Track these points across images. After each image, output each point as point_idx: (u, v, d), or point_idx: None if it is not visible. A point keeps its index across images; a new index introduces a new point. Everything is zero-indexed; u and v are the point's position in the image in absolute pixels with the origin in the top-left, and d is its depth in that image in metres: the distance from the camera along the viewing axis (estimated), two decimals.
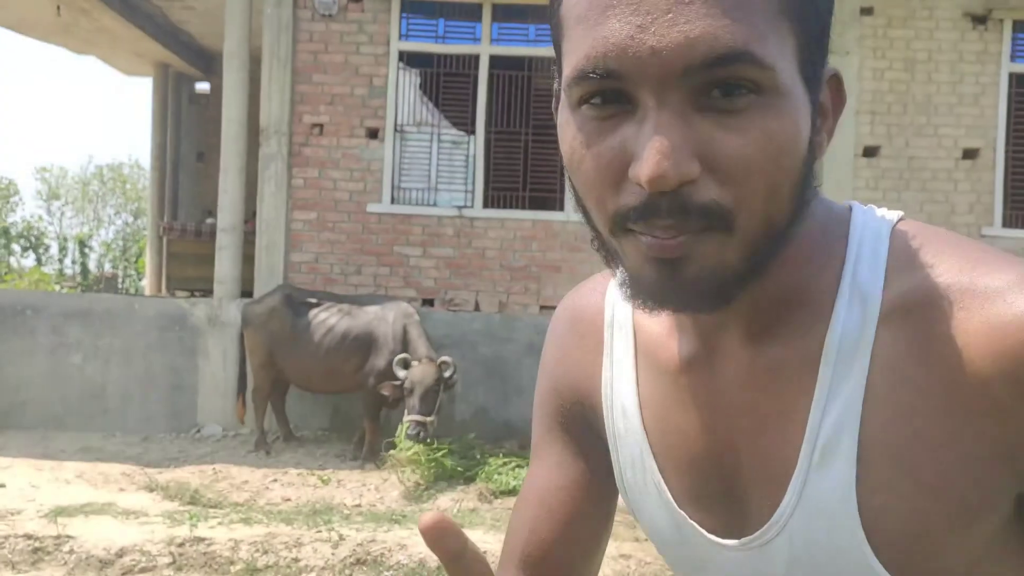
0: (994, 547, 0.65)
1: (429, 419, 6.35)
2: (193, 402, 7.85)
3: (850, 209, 0.72)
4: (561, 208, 7.93)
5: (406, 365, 6.47)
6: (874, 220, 0.70)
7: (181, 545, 4.79)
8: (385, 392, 6.51)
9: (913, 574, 0.64)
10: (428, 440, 6.32)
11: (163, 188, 12.50)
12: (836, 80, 0.69)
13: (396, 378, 6.45)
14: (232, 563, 4.70)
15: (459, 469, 6.36)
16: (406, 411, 6.42)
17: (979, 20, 7.85)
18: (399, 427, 6.45)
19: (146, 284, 13.36)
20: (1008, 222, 7.91)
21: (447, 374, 6.50)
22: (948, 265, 0.63)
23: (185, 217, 12.48)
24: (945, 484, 0.62)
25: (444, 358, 6.55)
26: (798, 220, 0.65)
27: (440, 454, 6.31)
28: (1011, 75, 7.90)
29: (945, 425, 0.61)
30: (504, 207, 8.01)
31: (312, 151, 7.97)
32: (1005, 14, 7.81)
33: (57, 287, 20.12)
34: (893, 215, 0.71)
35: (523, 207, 8.01)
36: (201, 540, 4.85)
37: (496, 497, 6.07)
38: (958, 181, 7.89)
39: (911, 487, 0.62)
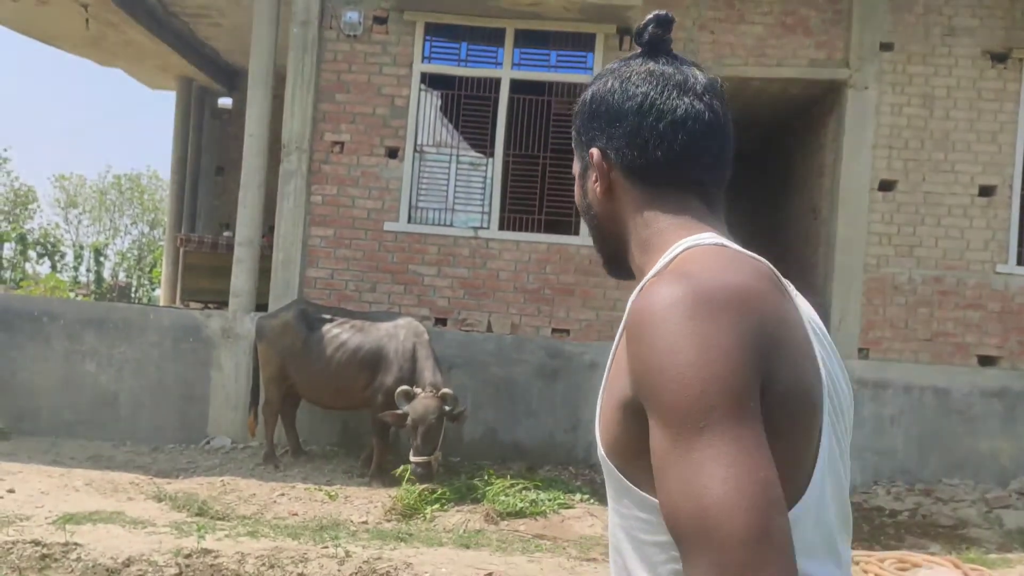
0: (632, 442, 0.97)
1: (432, 457, 6.33)
2: (204, 413, 7.89)
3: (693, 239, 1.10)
4: (576, 232, 7.96)
5: (409, 397, 6.44)
6: (688, 242, 1.07)
7: (188, 556, 4.80)
8: (388, 420, 6.49)
9: (605, 445, 1.03)
10: (431, 480, 6.31)
11: (181, 200, 12.62)
12: (595, 154, 1.15)
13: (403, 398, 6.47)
14: None
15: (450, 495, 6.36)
16: (411, 451, 6.39)
17: (999, 58, 7.89)
18: (402, 468, 6.41)
19: (160, 294, 13.46)
20: (1022, 260, 7.88)
21: (448, 408, 6.45)
22: (666, 267, 1.04)
23: (202, 229, 12.59)
24: (614, 388, 1.00)
25: (445, 390, 6.49)
26: (602, 227, 1.19)
27: (438, 494, 6.31)
28: None
29: (620, 353, 1.00)
30: (520, 230, 8.05)
31: (332, 168, 8.05)
32: None
33: (72, 294, 20.27)
34: (708, 240, 1.06)
35: (538, 230, 8.05)
36: (208, 552, 4.85)
37: (503, 519, 6.05)
38: (973, 218, 7.88)
39: (606, 389, 1.03)
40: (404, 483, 6.27)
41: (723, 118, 1.13)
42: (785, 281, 1.06)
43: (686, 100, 1.11)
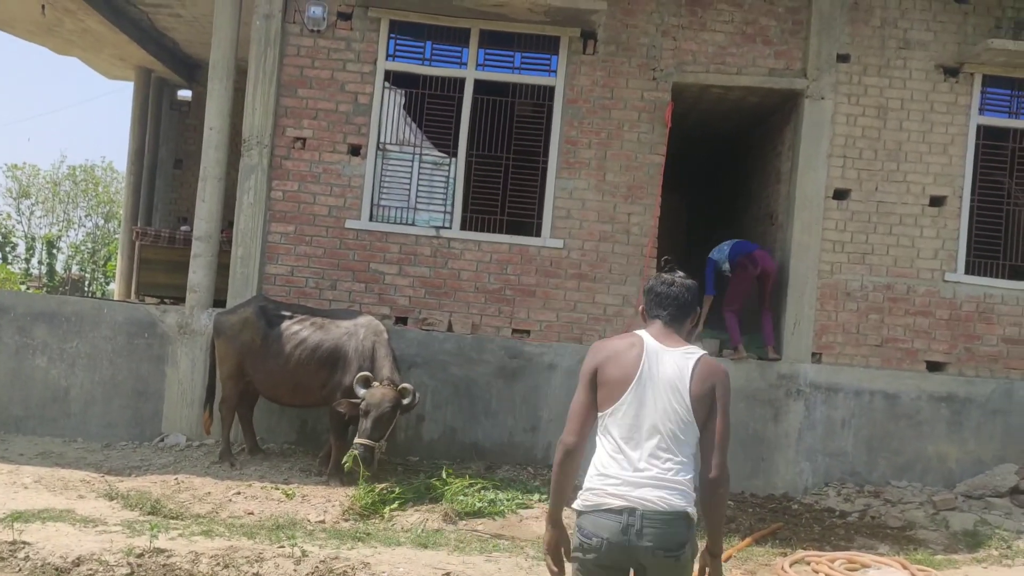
0: None
1: (376, 444, 6.31)
2: (158, 410, 7.76)
3: None
4: (538, 233, 8.00)
5: (367, 384, 6.46)
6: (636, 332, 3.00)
7: (140, 556, 4.73)
8: (341, 409, 6.49)
9: None
10: (372, 467, 6.27)
11: (138, 193, 12.39)
12: (640, 307, 3.03)
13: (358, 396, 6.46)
14: None
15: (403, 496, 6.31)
16: (357, 433, 6.39)
17: (951, 72, 8.11)
18: (346, 456, 6.36)
19: (115, 289, 13.20)
20: (970, 269, 8.11)
21: (406, 401, 6.46)
22: None
23: (159, 223, 12.39)
24: None
25: (404, 384, 6.51)
26: None
27: (396, 493, 6.29)
28: (979, 127, 8.15)
29: None
30: (482, 230, 8.06)
31: (293, 164, 7.98)
32: (976, 68, 8.07)
33: (23, 287, 19.77)
34: (635, 332, 2.88)
35: (500, 231, 8.07)
36: (161, 552, 4.78)
37: (461, 518, 6.06)
38: (924, 227, 8.09)
39: None
40: (361, 479, 6.25)
41: (671, 289, 2.84)
42: (660, 346, 2.74)
43: (657, 284, 2.88)
